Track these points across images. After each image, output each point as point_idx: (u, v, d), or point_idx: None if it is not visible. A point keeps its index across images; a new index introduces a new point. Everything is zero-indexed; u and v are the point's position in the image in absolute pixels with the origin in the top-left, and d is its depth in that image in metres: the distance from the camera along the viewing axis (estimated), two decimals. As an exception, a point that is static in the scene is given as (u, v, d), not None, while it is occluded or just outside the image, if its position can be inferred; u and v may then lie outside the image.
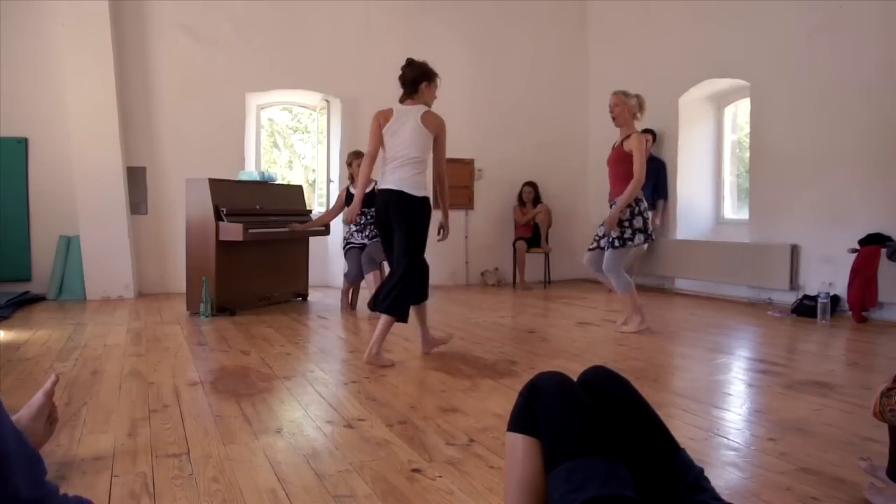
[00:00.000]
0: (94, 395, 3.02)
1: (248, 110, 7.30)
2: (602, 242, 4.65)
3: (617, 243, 4.54)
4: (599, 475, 1.23)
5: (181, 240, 5.82)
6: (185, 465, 2.16)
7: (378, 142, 3.88)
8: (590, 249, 4.82)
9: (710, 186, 7.18)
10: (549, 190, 8.01)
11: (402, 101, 3.87)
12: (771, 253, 5.93)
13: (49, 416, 1.82)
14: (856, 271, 5.08)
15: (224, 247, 5.38)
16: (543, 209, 7.77)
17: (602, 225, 4.67)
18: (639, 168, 4.47)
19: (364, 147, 6.42)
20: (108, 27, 6.41)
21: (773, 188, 6.05)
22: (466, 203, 7.97)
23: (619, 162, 4.63)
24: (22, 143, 6.47)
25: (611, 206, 4.69)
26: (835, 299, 5.27)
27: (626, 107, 4.58)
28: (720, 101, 7.10)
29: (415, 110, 3.81)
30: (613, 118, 4.67)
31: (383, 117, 3.85)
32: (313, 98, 7.66)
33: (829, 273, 5.40)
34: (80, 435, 2.46)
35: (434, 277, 8.23)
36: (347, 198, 5.84)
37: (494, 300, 6.62)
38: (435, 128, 3.83)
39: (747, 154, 6.54)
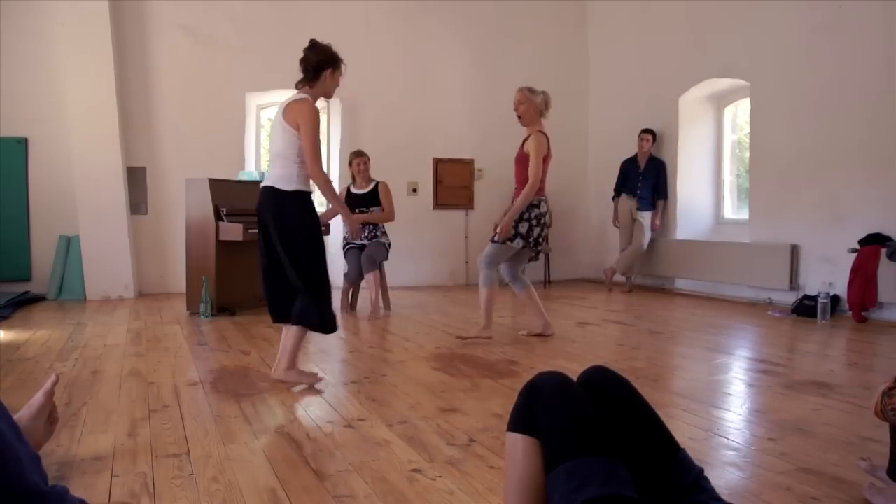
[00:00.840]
0: (94, 395, 3.02)
1: (248, 110, 7.29)
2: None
3: (497, 239, 4.34)
4: (599, 475, 1.23)
5: (181, 240, 5.82)
6: (185, 465, 2.16)
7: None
8: None
9: (710, 186, 7.18)
10: (549, 190, 7.99)
11: (296, 86, 3.42)
12: (771, 253, 5.92)
13: (49, 416, 1.81)
14: (856, 271, 5.08)
15: (224, 247, 5.38)
16: (543, 209, 7.76)
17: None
18: (533, 171, 4.23)
19: (364, 147, 6.46)
20: (108, 27, 6.41)
21: (773, 188, 6.04)
22: (466, 203, 7.97)
23: (520, 162, 4.39)
24: (22, 143, 6.47)
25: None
26: (835, 299, 5.27)
27: (531, 104, 4.33)
28: (720, 101, 7.09)
29: (286, 103, 3.36)
30: (519, 116, 4.40)
31: None
32: (313, 98, 7.65)
33: (829, 273, 5.39)
34: (80, 435, 2.46)
35: (434, 277, 8.26)
36: (348, 197, 5.85)
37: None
38: (293, 118, 3.26)
39: (747, 154, 6.54)
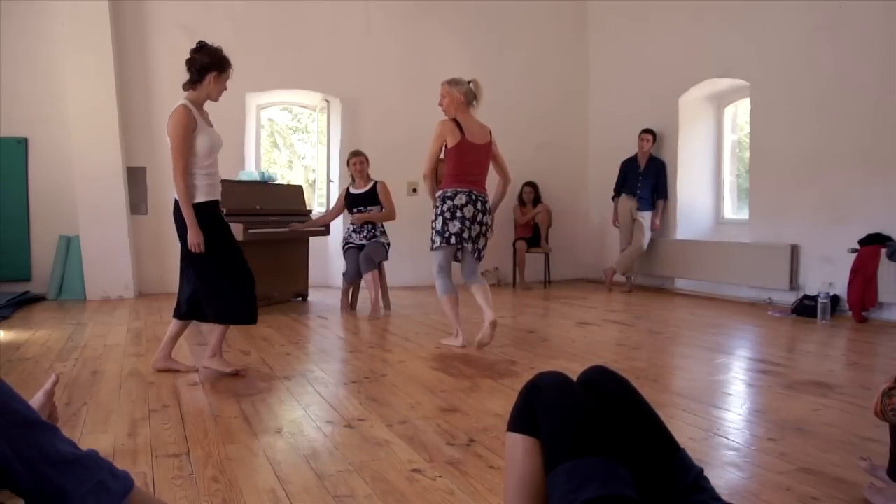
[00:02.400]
0: (94, 395, 3.02)
1: (248, 110, 7.30)
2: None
3: (431, 245, 4.23)
4: (599, 475, 1.23)
5: (181, 240, 5.81)
6: (185, 465, 2.16)
7: None
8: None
9: (710, 186, 7.18)
10: (549, 190, 8.00)
11: (183, 87, 3.37)
12: (771, 253, 5.92)
13: (49, 416, 1.82)
14: (856, 271, 5.08)
15: (224, 247, 5.37)
16: (543, 209, 7.77)
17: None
18: (426, 159, 4.19)
19: (364, 147, 6.47)
20: (108, 27, 6.41)
21: (773, 188, 6.05)
22: (466, 203, 7.96)
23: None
24: (22, 143, 6.47)
25: None
26: (835, 299, 5.27)
27: (452, 97, 4.17)
28: (720, 101, 7.09)
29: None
30: (444, 109, 4.26)
31: None
32: (313, 98, 7.66)
33: (829, 273, 5.39)
34: (80, 435, 2.46)
35: (434, 277, 8.24)
36: (347, 197, 5.85)
37: (494, 300, 6.58)
38: (168, 129, 3.25)
39: (747, 154, 6.54)
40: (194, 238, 3.27)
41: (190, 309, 3.46)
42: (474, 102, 4.25)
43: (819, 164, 5.61)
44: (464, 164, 4.17)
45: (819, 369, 3.60)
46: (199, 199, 3.29)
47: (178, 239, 3.39)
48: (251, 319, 3.44)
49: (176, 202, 3.29)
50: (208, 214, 3.33)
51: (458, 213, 4.12)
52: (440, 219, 4.15)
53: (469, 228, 4.16)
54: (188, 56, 3.34)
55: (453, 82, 4.22)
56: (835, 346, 4.41)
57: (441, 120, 4.21)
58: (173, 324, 3.53)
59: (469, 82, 4.24)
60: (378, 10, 7.51)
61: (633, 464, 1.31)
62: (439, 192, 4.20)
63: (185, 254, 3.35)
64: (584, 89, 8.46)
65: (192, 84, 3.33)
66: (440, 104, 4.27)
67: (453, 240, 4.12)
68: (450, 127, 4.15)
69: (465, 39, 7.85)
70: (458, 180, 4.16)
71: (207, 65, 3.31)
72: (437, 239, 4.16)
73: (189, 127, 3.23)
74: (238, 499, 1.91)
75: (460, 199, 4.14)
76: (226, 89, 3.46)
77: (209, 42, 3.41)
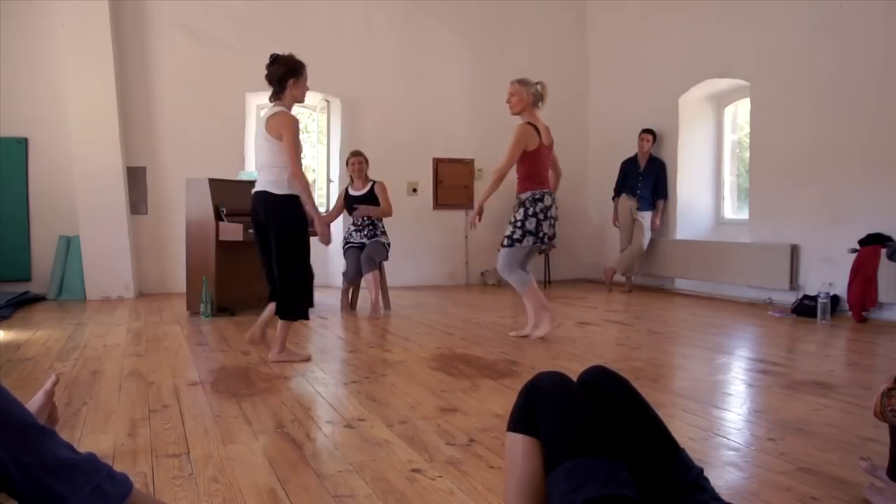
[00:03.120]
0: (94, 395, 3.02)
1: (248, 110, 7.29)
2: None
3: (506, 242, 4.33)
4: (599, 475, 1.23)
5: (181, 240, 5.82)
6: (185, 465, 2.16)
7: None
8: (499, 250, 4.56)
9: (710, 186, 7.18)
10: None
11: (270, 100, 3.68)
12: (771, 253, 5.92)
13: (49, 416, 1.82)
14: (856, 271, 5.08)
15: (224, 247, 5.38)
16: (543, 209, 7.76)
17: (508, 223, 4.41)
18: (504, 159, 4.24)
19: (364, 147, 6.46)
20: (108, 27, 6.41)
21: (773, 188, 6.04)
22: (466, 203, 7.96)
23: (519, 160, 4.36)
24: (22, 143, 6.47)
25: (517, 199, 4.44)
26: (835, 299, 5.27)
27: (520, 96, 4.29)
28: (720, 101, 7.09)
29: (266, 116, 3.63)
30: (510, 108, 4.38)
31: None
32: (313, 98, 7.65)
33: (829, 273, 5.39)
34: (80, 435, 2.46)
35: (434, 277, 8.25)
36: (346, 199, 5.84)
37: (494, 300, 6.62)
38: (276, 130, 3.55)
39: (747, 154, 6.54)
40: (325, 229, 3.78)
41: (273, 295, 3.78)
42: (540, 104, 4.37)
43: (819, 164, 5.61)
44: (541, 165, 4.36)
45: (819, 369, 3.60)
46: (296, 192, 3.62)
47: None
48: (306, 316, 3.78)
49: (274, 196, 3.56)
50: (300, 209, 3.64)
51: (549, 214, 4.36)
52: (533, 219, 4.30)
53: (553, 227, 4.44)
54: (265, 72, 3.63)
55: (523, 82, 4.33)
56: (835, 346, 4.41)
57: (520, 124, 4.30)
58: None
59: (537, 83, 4.35)
60: (378, 10, 7.51)
61: (633, 464, 1.31)
62: (528, 194, 4.32)
63: (279, 247, 3.61)
64: (584, 89, 8.46)
65: (276, 95, 3.63)
66: (508, 101, 4.37)
67: (546, 240, 4.39)
68: (530, 132, 4.29)
69: (465, 39, 7.85)
70: (539, 182, 4.36)
71: (284, 74, 3.58)
72: (530, 238, 4.31)
73: (298, 129, 3.60)
74: (238, 499, 1.91)
75: (547, 201, 4.37)
76: (308, 89, 3.72)
77: (274, 52, 3.66)
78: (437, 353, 4.01)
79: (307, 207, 3.68)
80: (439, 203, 7.85)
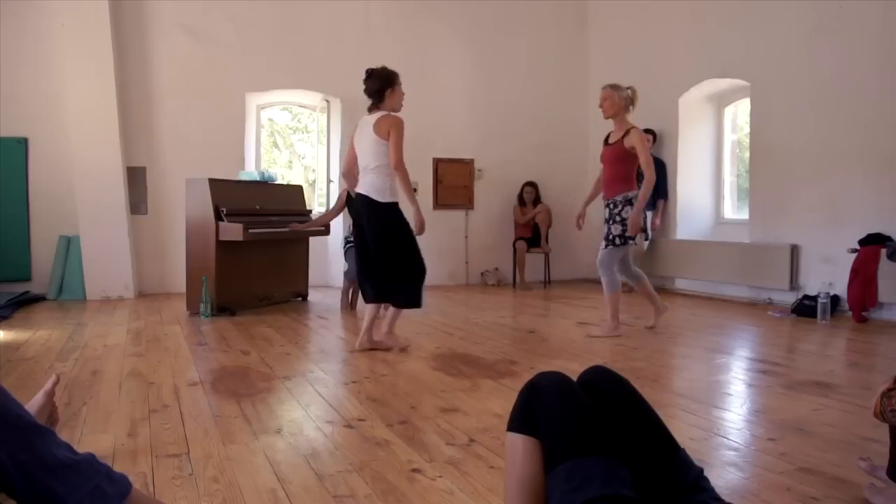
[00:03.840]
0: (94, 395, 3.02)
1: (248, 110, 7.30)
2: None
3: (617, 241, 4.45)
4: (599, 475, 1.23)
5: (181, 240, 5.82)
6: (185, 465, 2.16)
7: (350, 156, 4.12)
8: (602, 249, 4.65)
9: (710, 186, 7.18)
10: (549, 190, 8.01)
11: (369, 110, 4.01)
12: (771, 253, 5.92)
13: (49, 416, 1.82)
14: (856, 271, 5.08)
15: (224, 247, 5.38)
16: (543, 209, 7.77)
17: (614, 223, 4.47)
18: (647, 165, 4.33)
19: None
20: (108, 27, 6.41)
21: (773, 188, 6.04)
22: (466, 203, 7.97)
23: (618, 161, 4.46)
24: (22, 143, 6.47)
25: (606, 206, 4.55)
26: (835, 299, 5.27)
27: (613, 100, 4.42)
28: (720, 101, 7.09)
29: (371, 119, 3.92)
30: (603, 112, 4.52)
31: (354, 131, 4.07)
32: (313, 98, 7.66)
33: (829, 273, 5.39)
34: (80, 435, 2.47)
35: (434, 277, 8.22)
36: (348, 198, 5.83)
37: (494, 300, 6.62)
38: (385, 129, 3.85)
39: (747, 154, 6.54)
40: (419, 219, 3.99)
41: (378, 294, 4.07)
42: (630, 108, 4.48)
43: (819, 164, 5.61)
44: (637, 167, 4.50)
45: (819, 369, 3.60)
46: (396, 198, 3.94)
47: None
48: (419, 305, 4.08)
49: (377, 204, 3.87)
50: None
51: (644, 213, 4.60)
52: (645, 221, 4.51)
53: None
54: (363, 87, 3.98)
55: (615, 87, 4.47)
56: (835, 346, 4.41)
57: (636, 130, 4.41)
58: (368, 309, 4.11)
59: (627, 88, 4.48)
60: (378, 10, 7.51)
61: (633, 464, 1.31)
62: (634, 193, 4.46)
63: (383, 248, 3.93)
64: (584, 89, 8.45)
65: (376, 106, 3.97)
66: (600, 106, 4.51)
67: (646, 237, 4.64)
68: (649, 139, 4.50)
69: (465, 39, 7.85)
70: (635, 183, 4.54)
71: (380, 87, 3.94)
72: (641, 234, 4.53)
73: (403, 129, 3.90)
74: (238, 499, 1.91)
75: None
76: (404, 94, 4.05)
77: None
78: (437, 353, 4.01)
79: (407, 198, 3.94)
80: (439, 203, 7.84)
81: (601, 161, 4.65)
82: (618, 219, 4.43)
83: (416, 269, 4.01)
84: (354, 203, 4.07)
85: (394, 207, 3.92)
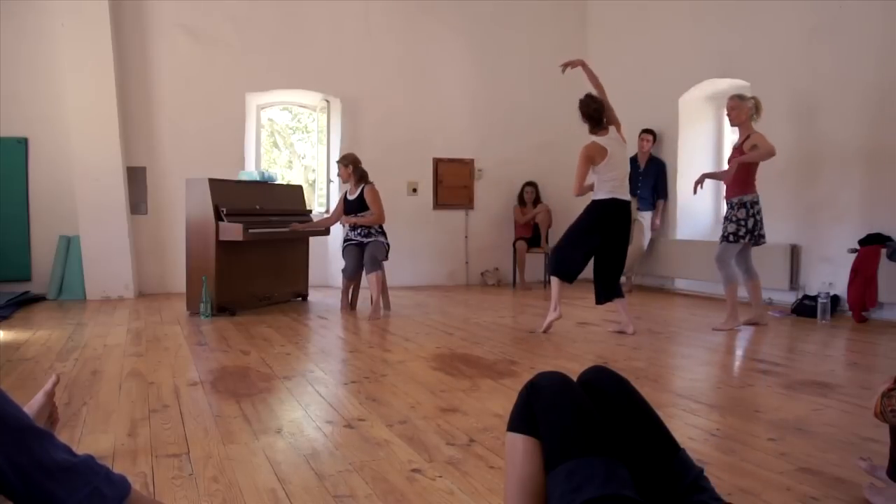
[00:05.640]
0: (94, 395, 3.02)
1: (248, 110, 7.30)
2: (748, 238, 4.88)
3: (731, 238, 4.79)
4: (599, 475, 1.23)
5: (181, 240, 5.82)
6: (185, 465, 2.16)
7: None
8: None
9: (710, 186, 7.17)
10: (549, 190, 8.01)
11: (600, 129, 4.84)
12: (771, 253, 5.91)
13: (49, 416, 1.82)
14: (856, 271, 5.08)
15: (224, 247, 5.38)
16: (543, 209, 7.77)
17: (729, 222, 4.82)
18: (765, 147, 4.62)
19: (364, 147, 6.46)
20: (108, 27, 6.41)
21: (773, 188, 6.03)
22: (466, 203, 7.97)
23: (739, 164, 4.79)
24: (22, 143, 6.47)
25: (727, 205, 4.89)
26: (835, 299, 5.27)
27: (740, 109, 4.78)
28: (720, 101, 7.07)
29: (618, 136, 4.82)
30: (730, 120, 4.93)
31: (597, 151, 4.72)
32: (313, 98, 7.66)
33: (829, 273, 5.39)
34: (80, 435, 2.47)
35: (434, 277, 8.26)
36: (345, 204, 5.81)
37: (494, 300, 6.62)
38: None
39: (747, 154, 6.53)
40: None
41: (606, 291, 4.66)
42: (755, 116, 4.80)
43: (819, 163, 5.61)
44: (756, 171, 4.82)
45: (819, 369, 3.60)
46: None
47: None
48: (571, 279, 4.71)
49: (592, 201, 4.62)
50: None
51: (761, 214, 4.88)
52: (752, 220, 4.79)
53: (763, 227, 4.99)
54: (583, 110, 4.91)
55: (741, 97, 4.82)
56: (835, 346, 4.41)
57: (757, 134, 4.71)
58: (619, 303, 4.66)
59: (751, 98, 4.82)
60: (378, 10, 7.51)
61: (633, 464, 1.31)
62: (750, 196, 4.79)
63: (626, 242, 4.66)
64: (585, 89, 8.42)
65: (605, 128, 4.81)
66: (728, 115, 4.90)
67: (760, 239, 4.87)
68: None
69: (465, 39, 7.85)
70: (755, 186, 4.85)
71: (597, 110, 4.85)
72: (748, 236, 4.81)
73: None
74: (238, 499, 1.91)
75: (760, 203, 4.89)
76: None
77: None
78: (437, 353, 4.01)
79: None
80: (439, 203, 7.85)
81: (728, 164, 5.04)
82: (733, 218, 4.79)
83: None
84: (617, 210, 4.54)
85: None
